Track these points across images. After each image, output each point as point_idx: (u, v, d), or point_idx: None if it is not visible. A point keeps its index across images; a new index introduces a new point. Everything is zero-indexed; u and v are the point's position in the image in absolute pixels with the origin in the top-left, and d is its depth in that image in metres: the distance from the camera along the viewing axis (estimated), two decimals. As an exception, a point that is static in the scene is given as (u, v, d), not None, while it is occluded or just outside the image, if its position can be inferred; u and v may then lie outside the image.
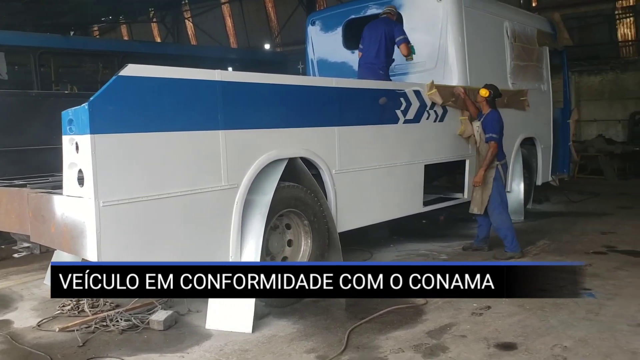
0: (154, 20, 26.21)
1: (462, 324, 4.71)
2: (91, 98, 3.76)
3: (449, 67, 7.56)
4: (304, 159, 5.44)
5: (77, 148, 3.86)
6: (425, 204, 7.02)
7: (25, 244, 4.99)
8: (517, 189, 8.86)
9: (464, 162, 7.61)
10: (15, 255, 5.15)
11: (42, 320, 5.15)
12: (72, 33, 24.96)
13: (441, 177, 8.61)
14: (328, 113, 5.65)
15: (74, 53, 11.64)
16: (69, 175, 3.97)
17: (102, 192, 3.80)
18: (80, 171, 3.88)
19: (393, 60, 7.43)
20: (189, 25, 25.67)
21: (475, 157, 7.10)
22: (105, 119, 3.80)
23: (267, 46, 21.55)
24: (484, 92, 6.80)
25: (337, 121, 5.70)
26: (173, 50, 13.77)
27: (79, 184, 3.88)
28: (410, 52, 7.23)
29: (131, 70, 3.95)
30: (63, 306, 5.43)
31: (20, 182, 5.27)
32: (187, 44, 23.87)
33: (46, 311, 5.43)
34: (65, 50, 11.35)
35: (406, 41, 7.20)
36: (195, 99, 4.43)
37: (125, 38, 27.66)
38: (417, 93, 6.64)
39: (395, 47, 7.29)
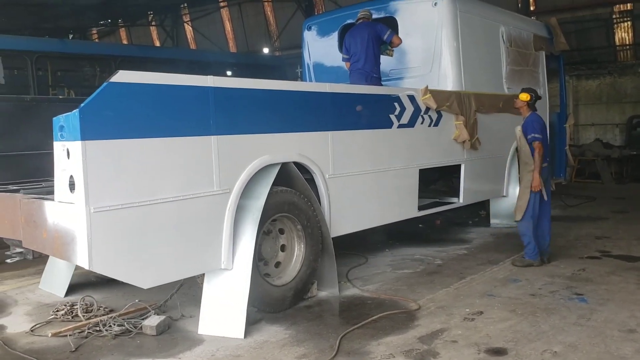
0: (153, 23, 26.22)
1: (453, 329, 4.71)
2: (82, 104, 3.77)
3: (444, 72, 7.57)
4: (297, 164, 5.45)
5: (68, 154, 3.86)
6: (420, 208, 7.03)
7: (18, 250, 4.99)
8: (513, 193, 8.82)
9: (459, 166, 7.63)
10: (8, 260, 5.15)
11: (35, 325, 5.15)
12: (70, 36, 25.00)
13: (437, 181, 8.64)
14: (322, 118, 5.66)
15: (71, 57, 11.64)
16: (60, 181, 3.97)
17: (93, 198, 3.80)
18: (71, 177, 3.88)
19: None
20: (188, 29, 25.69)
21: (519, 165, 6.96)
22: (96, 125, 3.81)
23: (266, 50, 21.58)
24: (525, 96, 6.79)
25: (330, 126, 5.72)
26: (171, 55, 13.78)
27: (70, 190, 3.89)
28: (400, 41, 7.39)
29: (122, 76, 3.96)
30: (57, 311, 5.44)
31: (14, 187, 5.29)
32: (186, 48, 23.89)
33: (40, 316, 5.44)
34: (62, 54, 11.34)
35: (394, 33, 7.34)
36: (188, 104, 4.43)
37: (124, 42, 27.68)
38: (412, 98, 6.66)
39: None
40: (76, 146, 3.77)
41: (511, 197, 8.83)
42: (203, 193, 4.53)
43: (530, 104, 6.83)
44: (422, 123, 6.83)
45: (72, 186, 3.88)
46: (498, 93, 8.40)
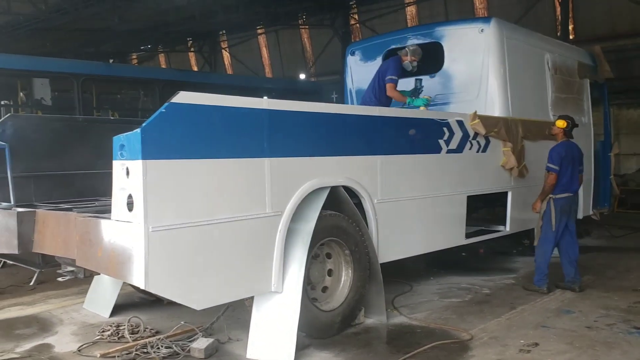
0: (192, 49, 26.71)
1: (510, 362, 4.56)
2: (143, 124, 3.78)
3: (491, 97, 7.49)
4: (346, 188, 5.39)
5: (127, 173, 3.87)
6: (467, 236, 6.89)
7: (70, 268, 5.01)
8: (558, 222, 8.65)
9: (504, 194, 7.48)
10: (60, 279, 5.17)
11: (82, 346, 5.14)
12: (111, 61, 25.57)
13: (480, 209, 8.47)
14: (371, 142, 5.61)
15: (116, 80, 11.92)
16: (118, 200, 3.97)
17: (152, 217, 3.79)
18: (129, 196, 3.88)
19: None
20: (226, 54, 26.08)
21: None
22: (156, 145, 3.82)
23: (302, 76, 21.76)
24: (562, 123, 6.75)
25: (379, 150, 5.66)
26: (212, 80, 14.01)
27: (128, 209, 3.88)
28: (396, 95, 7.12)
29: (183, 97, 3.98)
30: (103, 331, 5.44)
31: (66, 206, 5.32)
32: (227, 74, 24.23)
33: (86, 336, 5.44)
34: (107, 77, 11.63)
35: (392, 82, 7.13)
36: (243, 126, 4.43)
37: (163, 66, 28.21)
38: (460, 123, 6.58)
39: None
40: (136, 165, 3.77)
41: (556, 226, 8.66)
42: (256, 215, 4.49)
43: (567, 132, 6.75)
44: (470, 149, 6.74)
45: (130, 205, 3.88)
46: (544, 120, 8.27)
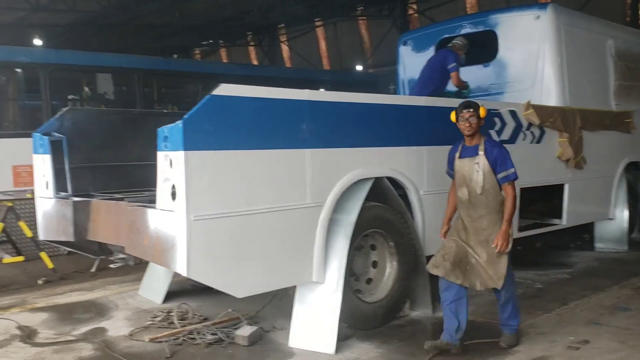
0: (252, 44, 27.10)
1: (556, 358, 4.42)
2: (185, 116, 3.89)
3: (547, 87, 7.25)
4: (390, 179, 5.35)
5: (170, 163, 3.98)
6: (521, 229, 6.72)
7: (121, 255, 5.21)
8: (620, 216, 8.34)
9: (561, 186, 7.24)
10: (112, 265, 5.41)
11: (133, 330, 5.35)
12: (175, 56, 26.26)
13: (537, 202, 8.24)
14: (416, 132, 5.54)
15: (175, 74, 12.25)
16: (162, 190, 4.10)
17: (193, 206, 3.89)
18: (173, 186, 4.00)
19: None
20: (285, 48, 26.32)
21: (465, 211, 4.73)
22: (198, 136, 3.91)
23: (359, 67, 21.68)
24: (485, 111, 4.70)
25: (425, 140, 5.58)
26: (269, 73, 14.17)
27: (172, 198, 4.00)
28: (461, 83, 7.25)
29: (224, 89, 4.06)
30: (154, 317, 5.63)
31: (119, 196, 5.53)
32: (282, 67, 24.47)
33: (138, 321, 5.65)
34: (166, 71, 11.96)
35: (457, 70, 7.18)
36: (285, 117, 4.47)
37: (224, 60, 28.76)
38: (513, 113, 6.41)
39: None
40: (179, 156, 3.88)
41: (619, 220, 8.34)
42: (296, 205, 4.53)
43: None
44: (523, 139, 6.55)
45: (173, 195, 3.99)
46: (605, 109, 7.95)
